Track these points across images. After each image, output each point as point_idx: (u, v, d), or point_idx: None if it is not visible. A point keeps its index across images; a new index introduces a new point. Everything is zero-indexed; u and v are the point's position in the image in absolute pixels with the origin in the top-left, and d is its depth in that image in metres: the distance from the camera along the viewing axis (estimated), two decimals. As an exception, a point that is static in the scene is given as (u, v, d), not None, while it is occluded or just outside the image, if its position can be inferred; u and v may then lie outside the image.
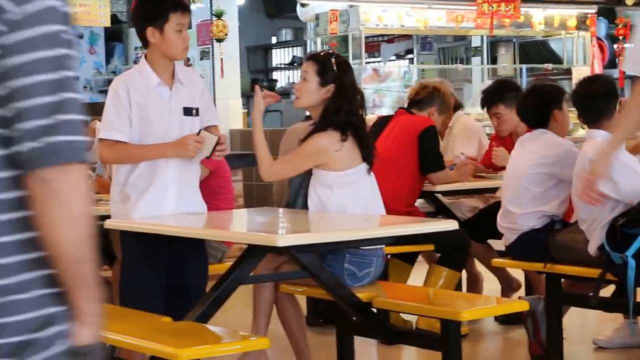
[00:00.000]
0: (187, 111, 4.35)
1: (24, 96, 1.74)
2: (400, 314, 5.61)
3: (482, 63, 12.08)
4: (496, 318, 6.03)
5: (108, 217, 4.37)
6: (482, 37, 11.89)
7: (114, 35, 10.75)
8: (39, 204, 1.77)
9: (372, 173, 4.52)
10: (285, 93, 12.59)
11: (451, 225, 4.15)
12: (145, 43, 4.34)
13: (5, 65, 1.74)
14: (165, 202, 4.34)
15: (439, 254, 5.73)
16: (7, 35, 1.74)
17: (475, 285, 6.32)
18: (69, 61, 1.78)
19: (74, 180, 1.77)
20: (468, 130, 6.66)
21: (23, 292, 1.78)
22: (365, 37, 10.60)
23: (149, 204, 4.31)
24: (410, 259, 5.91)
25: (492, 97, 6.12)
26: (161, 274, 4.31)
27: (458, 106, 6.65)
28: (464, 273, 6.13)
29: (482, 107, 6.27)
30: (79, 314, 1.83)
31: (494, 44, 12.56)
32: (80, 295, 1.83)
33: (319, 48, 10.55)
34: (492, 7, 10.61)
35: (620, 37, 11.38)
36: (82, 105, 1.80)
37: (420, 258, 6.15)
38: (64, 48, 1.77)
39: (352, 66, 4.86)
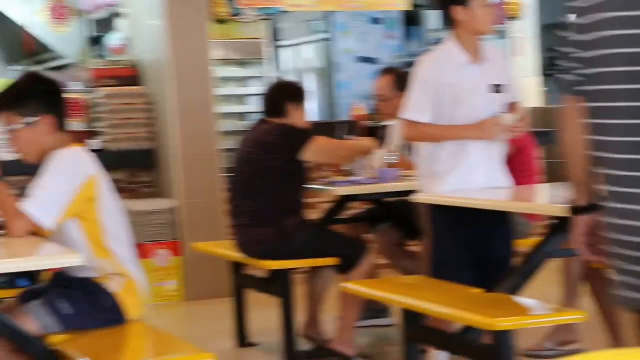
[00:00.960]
0: (495, 88, 4.39)
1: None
2: None
3: None
4: None
5: (413, 192, 4.50)
6: None
7: (411, 18, 10.89)
8: None
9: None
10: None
11: None
12: (451, 23, 4.41)
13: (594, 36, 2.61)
14: (473, 178, 4.40)
15: None
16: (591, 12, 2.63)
17: None
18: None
19: None
20: None
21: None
22: None
23: (457, 180, 4.38)
24: None
25: None
26: (468, 247, 4.38)
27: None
28: None
29: None
30: None
31: None
32: None
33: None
34: None
35: None
36: None
37: None
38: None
39: None
